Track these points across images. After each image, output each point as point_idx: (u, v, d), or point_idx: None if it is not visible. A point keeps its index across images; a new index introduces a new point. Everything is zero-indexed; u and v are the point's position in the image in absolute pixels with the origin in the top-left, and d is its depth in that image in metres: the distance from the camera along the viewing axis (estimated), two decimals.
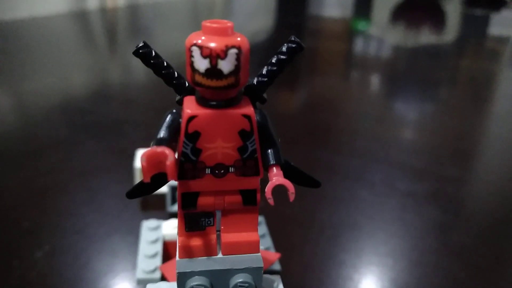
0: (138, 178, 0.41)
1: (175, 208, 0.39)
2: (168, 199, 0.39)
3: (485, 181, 0.51)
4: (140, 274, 0.28)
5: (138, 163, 0.41)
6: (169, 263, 0.28)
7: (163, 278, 0.28)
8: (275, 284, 0.21)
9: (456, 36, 1.51)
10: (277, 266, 0.30)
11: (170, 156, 0.15)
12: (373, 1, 2.30)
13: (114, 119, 0.62)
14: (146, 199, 0.42)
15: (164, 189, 0.42)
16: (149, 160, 0.15)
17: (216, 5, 1.90)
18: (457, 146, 0.59)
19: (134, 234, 0.37)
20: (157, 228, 0.32)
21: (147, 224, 0.33)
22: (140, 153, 0.43)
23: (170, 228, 0.32)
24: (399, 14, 1.90)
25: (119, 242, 0.36)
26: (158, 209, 0.40)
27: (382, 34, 1.45)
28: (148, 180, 0.15)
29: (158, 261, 0.29)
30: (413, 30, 1.60)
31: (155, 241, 0.31)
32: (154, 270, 0.28)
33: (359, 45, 1.34)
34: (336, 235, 0.38)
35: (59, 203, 0.41)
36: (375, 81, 0.95)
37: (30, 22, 1.22)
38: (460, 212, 0.43)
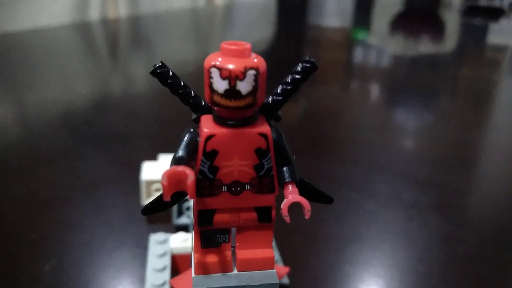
0: (144, 190, 0.42)
1: (181, 220, 0.40)
2: (174, 212, 0.39)
3: (488, 191, 0.51)
4: None
5: (144, 175, 0.41)
6: (180, 277, 0.28)
7: None
8: None
9: (455, 46, 1.52)
10: (285, 280, 0.30)
11: (191, 175, 0.16)
12: (372, 11, 2.31)
13: (119, 130, 0.62)
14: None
15: None
16: (170, 179, 0.16)
17: (216, 16, 1.91)
18: (459, 155, 0.60)
19: (141, 247, 0.37)
20: (165, 241, 0.32)
21: (155, 238, 0.33)
22: (146, 165, 0.43)
23: (178, 241, 0.32)
24: (398, 24, 1.91)
25: (126, 255, 0.36)
26: (164, 222, 0.40)
27: (381, 44, 1.46)
28: (168, 199, 0.16)
29: (166, 275, 0.29)
30: (413, 39, 1.61)
31: (163, 255, 0.31)
32: (163, 284, 0.28)
33: (358, 54, 1.35)
34: (343, 247, 0.38)
35: (65, 215, 0.42)
36: (375, 90, 0.96)
37: (32, 33, 1.22)
38: (465, 223, 0.44)
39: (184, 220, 0.39)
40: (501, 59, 1.30)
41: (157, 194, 0.42)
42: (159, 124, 0.66)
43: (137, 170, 0.46)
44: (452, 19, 2.05)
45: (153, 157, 0.48)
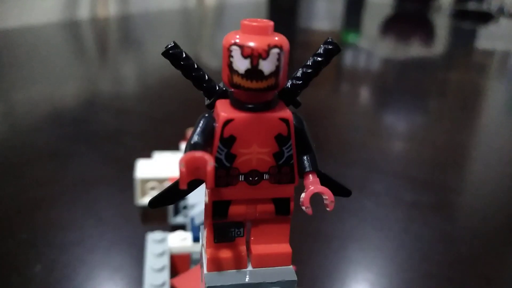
0: (139, 188, 0.40)
1: (177, 220, 0.38)
2: (171, 211, 0.38)
3: (484, 190, 0.51)
4: None
5: (139, 173, 0.40)
6: (182, 277, 0.27)
7: None
8: None
9: (445, 49, 1.53)
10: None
11: (210, 161, 0.14)
12: (363, 14, 2.32)
13: (110, 129, 0.61)
14: (146, 211, 0.41)
15: None
16: (188, 165, 0.14)
17: (207, 16, 1.90)
18: (452, 156, 0.60)
19: (136, 247, 0.36)
20: (163, 240, 0.31)
21: (153, 237, 0.31)
22: (141, 164, 0.42)
23: (176, 240, 0.31)
24: (388, 27, 1.92)
25: (121, 255, 0.35)
26: (159, 221, 0.39)
27: (372, 47, 1.46)
28: (185, 186, 0.14)
29: (165, 275, 0.28)
30: (403, 42, 1.61)
31: (161, 254, 0.30)
32: (162, 285, 0.27)
33: (349, 57, 1.35)
34: (344, 247, 0.37)
35: (56, 214, 0.40)
36: (366, 93, 0.95)
37: (21, 31, 1.20)
38: (465, 222, 0.43)
39: (180, 219, 0.38)
40: (489, 63, 1.31)
41: (153, 192, 0.41)
42: (151, 122, 0.65)
43: (130, 168, 0.45)
44: (441, 23, 2.07)
45: (146, 155, 0.47)
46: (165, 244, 0.31)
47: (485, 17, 2.09)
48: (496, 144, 0.67)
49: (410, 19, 2.16)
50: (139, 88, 0.84)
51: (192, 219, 0.32)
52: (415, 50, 1.48)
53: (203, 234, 0.19)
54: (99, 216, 0.40)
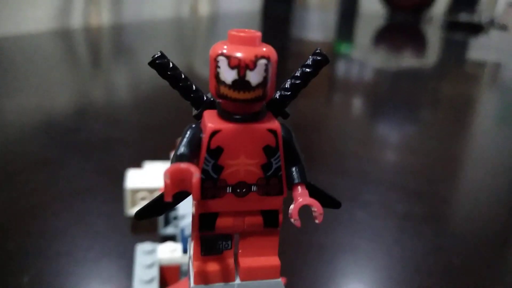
0: (129, 199, 0.40)
1: (168, 231, 0.38)
2: (161, 222, 0.38)
3: (476, 201, 0.51)
4: None
5: (129, 183, 0.40)
6: None
7: None
8: None
9: (437, 60, 1.54)
10: None
11: (196, 173, 0.14)
12: (355, 25, 2.34)
13: (101, 138, 0.61)
14: (136, 222, 0.41)
15: None
16: (173, 177, 0.14)
17: (200, 26, 1.91)
18: (444, 166, 0.60)
19: (125, 258, 0.35)
20: (152, 252, 0.31)
21: (142, 248, 0.31)
22: (131, 174, 0.41)
23: (166, 252, 0.31)
24: (381, 38, 1.93)
25: (110, 266, 0.35)
26: (149, 232, 0.39)
27: (364, 57, 1.47)
28: (170, 199, 0.14)
29: (155, 286, 0.28)
30: (395, 53, 1.62)
31: (151, 266, 0.29)
32: None
33: (341, 68, 1.35)
34: (336, 259, 0.37)
35: (45, 224, 0.40)
36: (357, 103, 0.96)
37: (13, 40, 1.20)
38: (456, 233, 0.43)
39: (171, 230, 0.38)
40: (480, 74, 1.33)
41: (143, 203, 0.41)
42: (142, 132, 0.64)
43: (120, 178, 0.44)
44: (433, 34, 2.08)
45: (137, 165, 0.46)
46: (154, 255, 0.30)
47: (476, 29, 2.11)
48: (487, 154, 0.67)
49: (402, 30, 2.18)
50: (130, 97, 0.84)
51: (182, 230, 0.31)
52: (407, 61, 1.49)
53: (191, 246, 0.19)
54: (89, 226, 0.40)
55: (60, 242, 0.37)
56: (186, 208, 0.35)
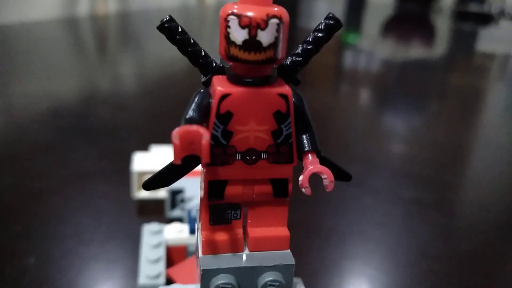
0: (135, 181, 0.40)
1: (174, 213, 0.38)
2: (168, 204, 0.38)
3: (484, 188, 0.50)
4: (143, 280, 0.27)
5: (136, 166, 0.40)
6: (177, 267, 0.26)
7: (167, 284, 0.26)
8: (297, 286, 0.20)
9: (445, 50, 1.53)
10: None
11: (206, 135, 0.14)
12: (364, 15, 2.32)
13: (107, 123, 0.61)
14: (143, 204, 0.41)
15: (162, 194, 0.40)
16: (182, 139, 0.14)
17: (207, 15, 1.90)
18: (452, 155, 0.59)
19: (132, 240, 0.35)
20: (159, 232, 0.31)
21: (149, 228, 0.31)
22: (138, 157, 0.41)
23: (173, 232, 0.30)
24: (389, 28, 1.92)
25: (117, 248, 0.35)
26: (156, 215, 0.39)
27: (372, 48, 1.46)
28: (179, 161, 0.14)
29: (161, 266, 0.28)
30: (403, 43, 1.61)
31: (157, 246, 0.29)
32: (158, 276, 0.27)
33: (349, 58, 1.34)
34: (343, 242, 0.37)
35: (52, 207, 0.40)
36: (365, 93, 0.95)
37: (20, 27, 1.20)
38: (465, 219, 0.43)
39: (177, 212, 0.38)
40: (489, 65, 1.31)
41: None
42: (148, 117, 0.64)
43: (127, 162, 0.44)
44: (442, 24, 2.06)
45: (144, 149, 0.46)
46: (161, 235, 0.30)
47: (486, 19, 2.09)
48: (495, 143, 0.66)
49: (410, 20, 2.16)
50: (137, 85, 0.84)
51: (189, 212, 0.31)
52: (415, 51, 1.47)
53: (199, 216, 0.18)
54: (95, 208, 0.40)
55: (67, 223, 0.37)
56: (193, 191, 0.34)
